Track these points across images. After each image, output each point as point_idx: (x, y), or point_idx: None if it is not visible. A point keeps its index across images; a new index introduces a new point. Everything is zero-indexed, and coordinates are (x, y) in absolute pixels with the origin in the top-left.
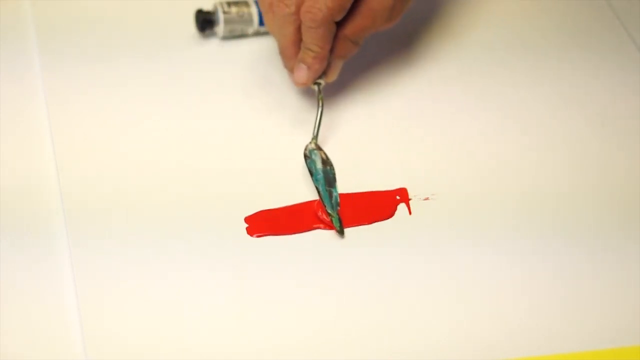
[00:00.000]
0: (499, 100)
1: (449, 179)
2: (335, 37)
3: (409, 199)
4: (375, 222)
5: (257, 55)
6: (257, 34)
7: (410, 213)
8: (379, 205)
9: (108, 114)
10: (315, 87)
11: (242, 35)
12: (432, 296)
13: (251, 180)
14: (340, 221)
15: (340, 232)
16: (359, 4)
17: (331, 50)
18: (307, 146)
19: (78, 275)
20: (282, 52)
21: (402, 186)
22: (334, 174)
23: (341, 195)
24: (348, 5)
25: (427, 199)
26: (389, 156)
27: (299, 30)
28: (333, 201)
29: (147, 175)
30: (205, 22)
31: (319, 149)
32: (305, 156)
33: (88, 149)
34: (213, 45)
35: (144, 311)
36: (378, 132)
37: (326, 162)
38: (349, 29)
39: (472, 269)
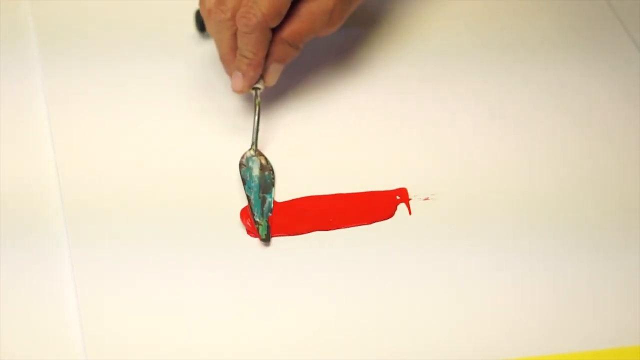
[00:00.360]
0: (498, 100)
1: (449, 179)
2: (273, 41)
3: (409, 199)
4: (375, 222)
5: None
6: None
7: (410, 213)
8: (379, 205)
9: (108, 114)
10: (253, 92)
11: None
12: (432, 296)
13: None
14: (268, 229)
15: (266, 240)
16: (297, 8)
17: (269, 55)
18: (244, 154)
19: (78, 276)
20: (222, 58)
21: (402, 186)
22: (272, 180)
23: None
24: (284, 10)
25: (427, 199)
26: (387, 156)
27: (235, 36)
28: (265, 208)
29: (147, 176)
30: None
31: (259, 154)
32: (241, 164)
33: (88, 149)
34: (213, 45)
35: (144, 312)
36: (374, 132)
37: (265, 167)
38: (287, 33)
39: (472, 268)
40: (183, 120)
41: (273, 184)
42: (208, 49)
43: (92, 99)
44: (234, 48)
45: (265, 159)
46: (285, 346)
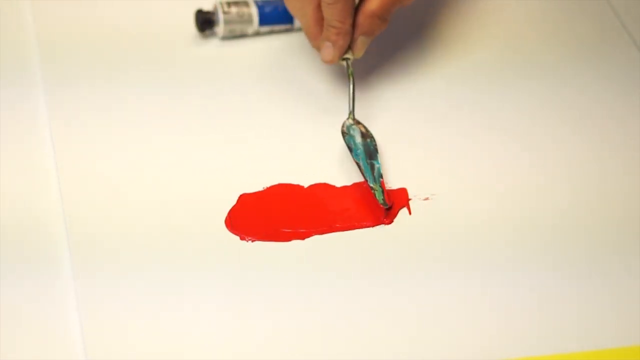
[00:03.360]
0: (498, 100)
1: (449, 179)
2: (360, 14)
3: (409, 199)
4: (375, 226)
5: (257, 55)
6: (257, 34)
7: (410, 213)
8: (379, 210)
9: (110, 120)
10: (344, 63)
11: (242, 35)
12: (432, 295)
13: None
14: (383, 193)
15: (384, 204)
16: None
17: (356, 28)
18: (344, 123)
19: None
20: (306, 32)
21: (402, 186)
22: (375, 146)
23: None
24: None
25: (427, 199)
26: (387, 156)
27: (318, 8)
28: (375, 173)
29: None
30: (205, 22)
31: (358, 123)
32: (343, 133)
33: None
34: (213, 45)
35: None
36: (374, 131)
37: (366, 134)
38: (375, 4)
39: (472, 267)
40: (184, 125)
41: (377, 151)
42: (208, 49)
43: (93, 103)
44: (318, 21)
45: (365, 127)
46: (286, 355)
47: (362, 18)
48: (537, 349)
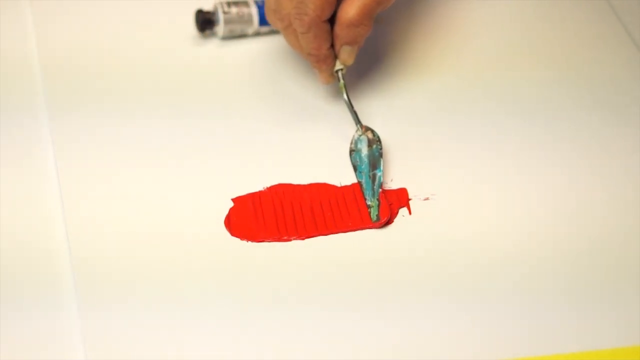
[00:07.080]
0: (498, 100)
1: (449, 179)
2: (337, 25)
3: (409, 199)
4: (374, 228)
5: (257, 55)
6: (257, 34)
7: (410, 213)
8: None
9: (111, 125)
10: (338, 75)
11: (242, 36)
12: (433, 295)
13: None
14: (379, 208)
15: (376, 220)
16: None
17: (337, 39)
18: (352, 138)
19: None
20: (305, 58)
21: (402, 186)
22: (380, 151)
23: None
24: None
25: (427, 199)
26: (386, 156)
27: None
28: (376, 185)
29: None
30: (205, 22)
31: (367, 130)
32: (351, 151)
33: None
34: (213, 45)
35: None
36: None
37: (372, 140)
38: (350, 15)
39: (473, 267)
40: (186, 130)
41: (381, 155)
42: (208, 49)
43: (95, 103)
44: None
45: (372, 132)
46: (287, 355)
47: (339, 29)
48: (537, 349)
